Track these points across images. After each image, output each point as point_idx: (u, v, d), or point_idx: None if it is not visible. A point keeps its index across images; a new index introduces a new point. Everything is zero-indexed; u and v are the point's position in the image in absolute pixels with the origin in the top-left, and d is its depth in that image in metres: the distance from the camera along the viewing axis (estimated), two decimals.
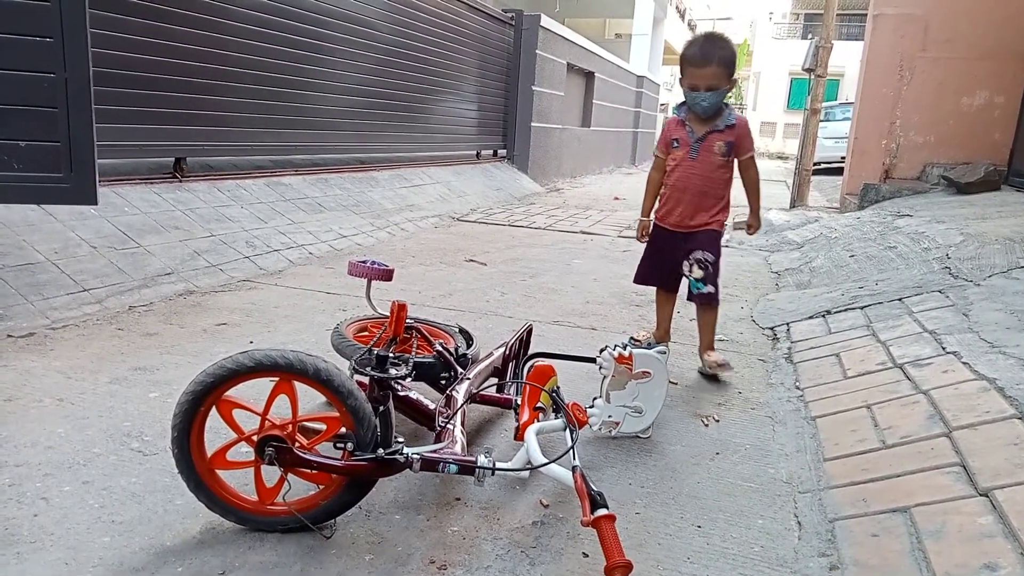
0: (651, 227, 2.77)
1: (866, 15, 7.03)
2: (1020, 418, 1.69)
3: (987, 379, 1.96)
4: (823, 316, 3.15)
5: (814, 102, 7.78)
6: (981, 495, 1.48)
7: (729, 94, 2.56)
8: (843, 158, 7.50)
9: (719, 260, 2.63)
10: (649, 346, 2.14)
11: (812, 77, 7.75)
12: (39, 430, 1.93)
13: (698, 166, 2.59)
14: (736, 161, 2.62)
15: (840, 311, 3.14)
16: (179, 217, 4.04)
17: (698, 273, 2.59)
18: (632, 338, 2.66)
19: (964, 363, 2.12)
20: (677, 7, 26.87)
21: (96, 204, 3.24)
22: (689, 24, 30.93)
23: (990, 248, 3.45)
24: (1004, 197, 5.47)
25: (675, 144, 2.64)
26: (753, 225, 2.74)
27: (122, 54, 3.94)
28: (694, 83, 2.47)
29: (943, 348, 2.31)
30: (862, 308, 3.07)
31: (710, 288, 2.61)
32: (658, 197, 2.77)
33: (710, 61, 2.43)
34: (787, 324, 3.19)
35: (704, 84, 2.45)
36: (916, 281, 3.24)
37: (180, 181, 4.41)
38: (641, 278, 2.86)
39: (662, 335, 2.88)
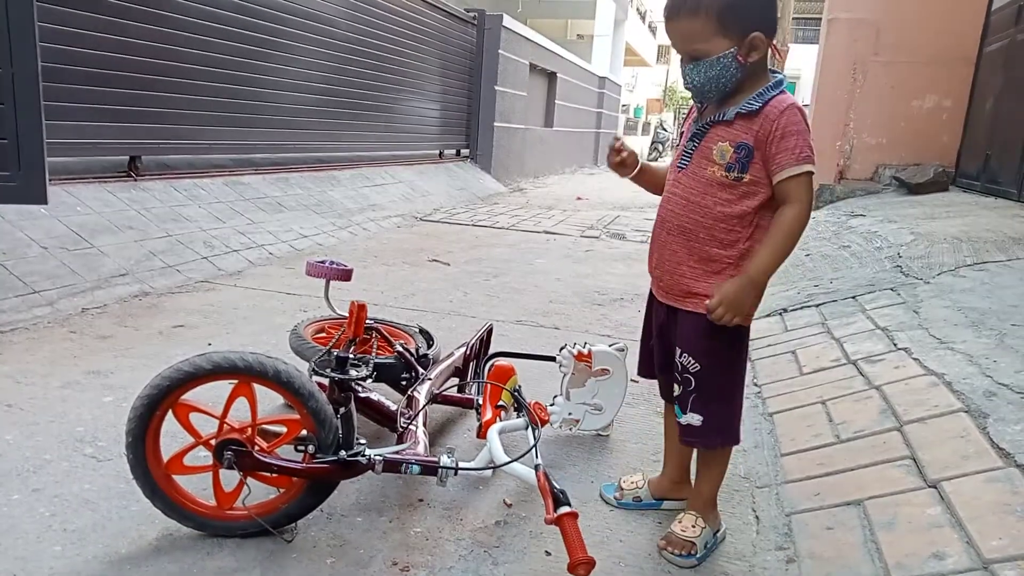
0: (632, 162, 1.64)
1: (821, 19, 7.20)
2: (967, 412, 1.75)
3: (936, 374, 2.02)
4: (780, 314, 3.21)
5: None
6: (930, 487, 1.53)
7: (770, 65, 1.44)
8: None
9: (719, 369, 1.53)
10: (636, 500, 1.74)
11: None
12: None
13: (683, 183, 1.51)
14: (767, 182, 1.42)
15: (796, 309, 3.20)
16: (134, 217, 3.95)
17: (675, 388, 1.58)
18: (620, 485, 1.78)
19: (914, 359, 2.19)
20: (638, 9, 27.18)
21: (46, 203, 3.16)
22: (650, 26, 31.30)
23: (939, 247, 3.56)
24: (952, 197, 5.64)
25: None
26: (717, 305, 1.43)
27: (74, 49, 3.83)
28: (675, 49, 1.46)
29: (895, 344, 2.37)
30: (817, 306, 3.14)
31: (691, 418, 1.53)
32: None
33: (678, 9, 1.41)
34: None
35: (681, 48, 1.43)
36: (869, 279, 3.32)
37: (135, 180, 4.30)
38: (639, 365, 1.76)
39: (665, 484, 1.75)
